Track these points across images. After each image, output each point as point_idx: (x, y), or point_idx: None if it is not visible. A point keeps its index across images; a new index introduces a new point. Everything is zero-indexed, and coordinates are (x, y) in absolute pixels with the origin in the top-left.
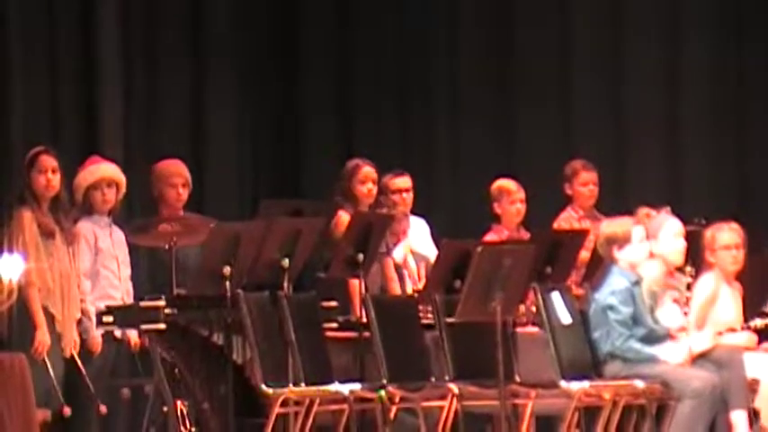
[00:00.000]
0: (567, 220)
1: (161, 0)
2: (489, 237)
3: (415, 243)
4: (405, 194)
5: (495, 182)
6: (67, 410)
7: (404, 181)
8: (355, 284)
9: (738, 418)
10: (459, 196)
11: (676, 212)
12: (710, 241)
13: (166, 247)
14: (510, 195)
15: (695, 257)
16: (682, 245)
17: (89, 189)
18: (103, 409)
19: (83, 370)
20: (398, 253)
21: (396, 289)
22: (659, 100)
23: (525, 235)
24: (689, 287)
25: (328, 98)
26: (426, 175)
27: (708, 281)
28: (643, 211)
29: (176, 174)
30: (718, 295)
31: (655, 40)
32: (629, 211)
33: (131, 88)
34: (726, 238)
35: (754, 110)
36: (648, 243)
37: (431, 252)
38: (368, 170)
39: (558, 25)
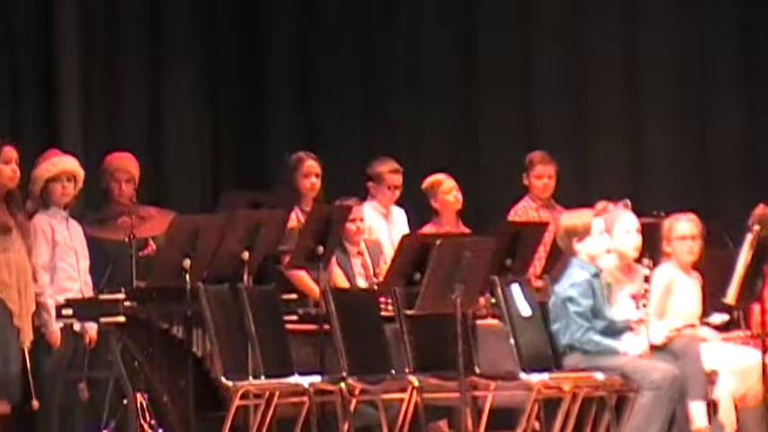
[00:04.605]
0: (524, 210)
1: None
2: (427, 229)
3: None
4: (396, 192)
5: (427, 178)
6: (36, 404)
7: (398, 179)
8: (299, 275)
9: (697, 408)
10: (421, 194)
11: (638, 203)
12: (668, 231)
13: (126, 239)
14: (441, 186)
15: (654, 249)
16: (636, 240)
17: (49, 181)
18: (85, 394)
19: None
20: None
21: (342, 284)
22: (621, 89)
23: (464, 229)
24: (647, 279)
25: (291, 90)
26: None
27: (664, 271)
28: (601, 204)
29: (120, 169)
30: (675, 285)
31: (616, 27)
32: (590, 204)
33: (90, 80)
34: (683, 228)
35: (717, 103)
36: (607, 236)
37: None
38: (311, 164)
39: (518, 10)
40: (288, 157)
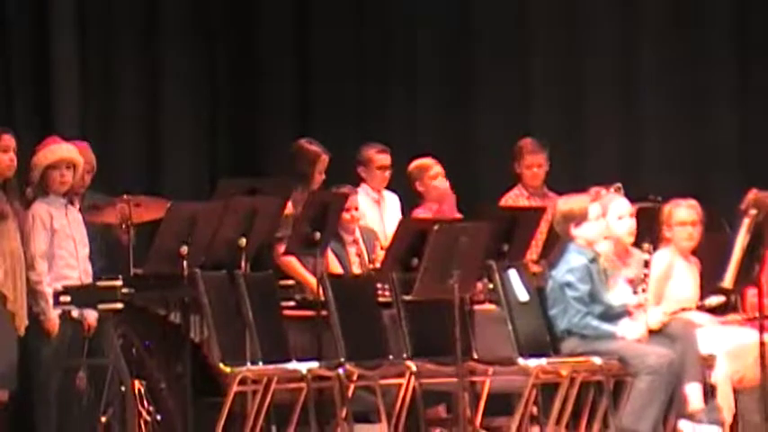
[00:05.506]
0: (514, 198)
1: None
2: (418, 213)
3: (372, 220)
4: (386, 172)
5: (412, 162)
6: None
7: (386, 158)
8: (289, 261)
9: (692, 390)
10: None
11: (634, 188)
12: (667, 217)
13: (123, 226)
14: (429, 171)
15: (652, 234)
16: (630, 224)
17: (48, 169)
18: (83, 382)
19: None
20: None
21: (336, 270)
22: (616, 75)
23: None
24: (646, 264)
25: (288, 81)
26: None
27: (663, 256)
28: (593, 190)
29: (84, 160)
30: (673, 270)
31: (612, 17)
32: (584, 188)
33: (87, 70)
34: (682, 214)
35: (712, 88)
36: (604, 221)
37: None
38: (326, 159)
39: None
40: (299, 144)
